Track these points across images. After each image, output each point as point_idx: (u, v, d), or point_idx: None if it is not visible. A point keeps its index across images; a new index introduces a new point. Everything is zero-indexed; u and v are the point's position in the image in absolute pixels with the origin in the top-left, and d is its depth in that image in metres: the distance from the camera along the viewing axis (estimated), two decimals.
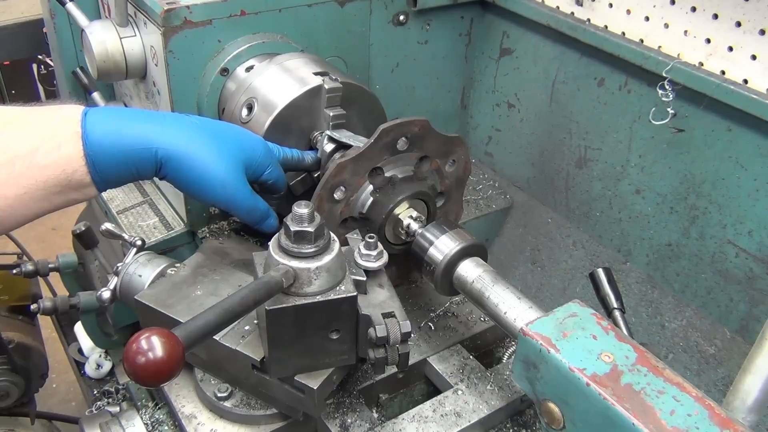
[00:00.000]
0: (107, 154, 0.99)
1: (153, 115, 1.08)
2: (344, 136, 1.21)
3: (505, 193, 1.77)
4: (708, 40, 1.25)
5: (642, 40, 1.36)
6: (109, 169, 1.00)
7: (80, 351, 1.79)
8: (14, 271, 1.57)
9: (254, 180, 1.14)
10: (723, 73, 1.24)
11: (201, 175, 1.04)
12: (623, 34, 1.39)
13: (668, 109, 1.28)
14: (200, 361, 1.15)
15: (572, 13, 1.48)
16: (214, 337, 1.03)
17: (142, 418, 1.19)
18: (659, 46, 1.33)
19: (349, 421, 1.13)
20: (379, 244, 1.06)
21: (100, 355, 1.72)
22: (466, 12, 1.65)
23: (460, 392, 1.16)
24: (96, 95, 1.59)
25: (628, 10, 1.37)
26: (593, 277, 1.14)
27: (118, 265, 1.23)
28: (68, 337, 1.92)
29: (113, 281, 1.22)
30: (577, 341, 0.88)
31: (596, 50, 1.42)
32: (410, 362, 1.04)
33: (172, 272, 1.20)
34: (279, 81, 1.25)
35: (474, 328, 1.31)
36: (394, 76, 1.62)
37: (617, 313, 1.09)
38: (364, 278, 1.03)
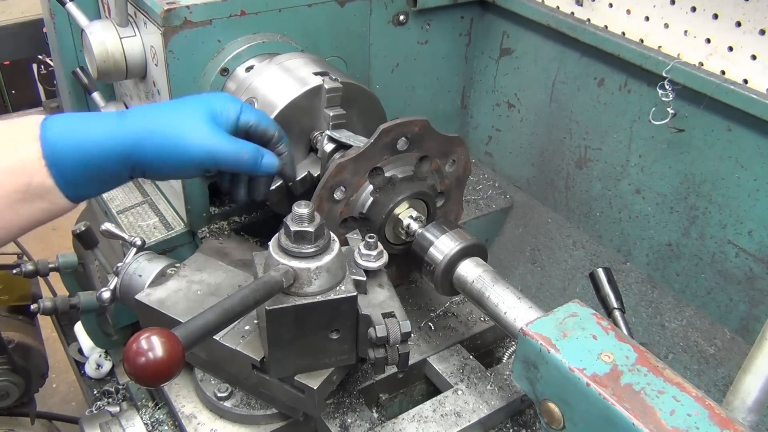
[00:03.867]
0: (68, 153, 0.93)
1: (113, 113, 1.03)
2: (344, 136, 1.21)
3: (505, 193, 1.77)
4: (708, 40, 1.25)
5: (642, 40, 1.36)
6: (73, 171, 0.94)
7: (80, 351, 1.79)
8: (14, 271, 1.57)
9: (234, 130, 1.07)
10: (723, 73, 1.24)
11: (174, 143, 0.98)
12: (623, 34, 1.39)
13: (668, 109, 1.28)
14: (200, 361, 1.15)
15: (572, 13, 1.48)
16: (214, 337, 1.03)
17: (142, 418, 1.19)
18: (659, 46, 1.33)
19: (349, 421, 1.13)
20: (379, 244, 1.06)
21: (100, 355, 1.72)
22: (466, 12, 1.65)
23: (460, 392, 1.16)
24: (96, 95, 1.59)
25: (628, 10, 1.37)
26: (593, 277, 1.14)
27: (118, 265, 1.23)
28: (68, 337, 1.91)
29: (113, 281, 1.22)
30: (577, 341, 0.88)
31: (596, 50, 1.42)
32: (410, 362, 1.04)
33: (172, 272, 1.20)
34: (279, 81, 1.24)
35: (474, 328, 1.31)
36: (394, 76, 1.62)
37: (617, 313, 1.09)
38: (364, 278, 1.03)
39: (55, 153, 0.92)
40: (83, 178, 0.95)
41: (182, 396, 1.17)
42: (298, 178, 1.27)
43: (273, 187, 1.27)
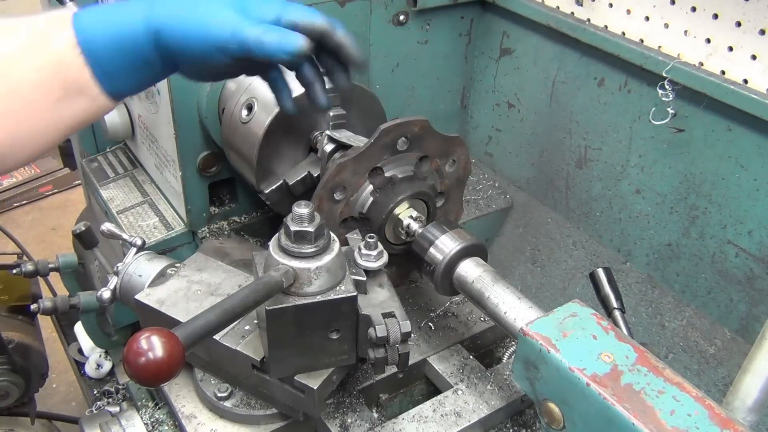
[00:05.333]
0: (101, 39, 0.90)
1: (142, 1, 0.97)
2: (344, 136, 1.21)
3: (505, 193, 1.77)
4: (708, 40, 1.25)
5: (642, 40, 1.36)
6: (108, 58, 0.90)
7: (80, 351, 1.79)
8: (14, 271, 1.57)
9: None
10: (723, 73, 1.24)
11: (198, 23, 0.92)
12: (623, 34, 1.39)
13: (668, 109, 1.28)
14: (200, 361, 1.15)
15: (572, 13, 1.48)
16: (214, 337, 1.03)
17: (142, 418, 1.19)
18: (659, 46, 1.33)
19: (349, 421, 1.13)
20: (379, 244, 1.06)
21: (100, 355, 1.72)
22: (466, 12, 1.65)
23: (460, 392, 1.16)
24: None
25: (628, 10, 1.37)
26: (593, 277, 1.14)
27: (118, 265, 1.23)
28: (68, 337, 1.91)
29: (113, 281, 1.22)
30: (577, 341, 0.88)
31: (596, 50, 1.42)
32: (410, 362, 1.04)
33: (172, 272, 1.20)
34: None
35: (474, 328, 1.31)
36: (394, 76, 1.62)
37: (617, 313, 1.09)
38: (364, 278, 1.03)
39: (89, 41, 0.89)
40: (118, 66, 0.92)
41: (182, 396, 1.17)
42: (299, 178, 1.27)
43: (273, 187, 1.27)
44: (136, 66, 0.94)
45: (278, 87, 1.08)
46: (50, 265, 1.56)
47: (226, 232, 1.43)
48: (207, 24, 0.93)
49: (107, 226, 1.24)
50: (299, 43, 0.95)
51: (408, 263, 1.23)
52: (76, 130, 0.97)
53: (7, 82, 0.88)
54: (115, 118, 1.56)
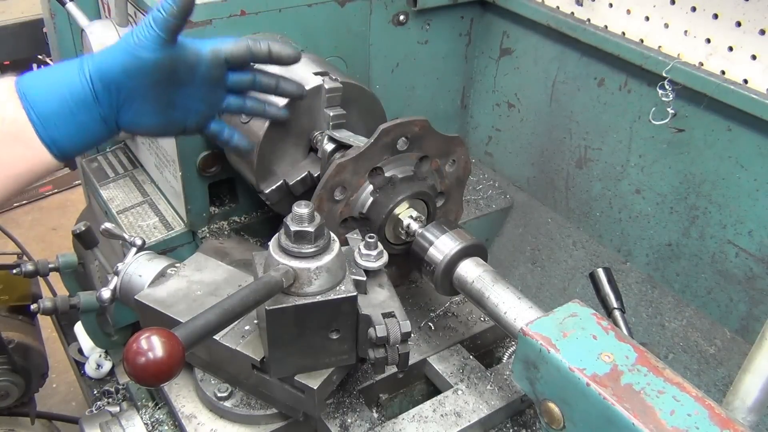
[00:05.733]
0: (38, 85, 0.94)
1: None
2: (344, 136, 1.21)
3: (505, 193, 1.77)
4: (708, 40, 1.25)
5: (642, 40, 1.36)
6: (44, 102, 0.94)
7: (80, 351, 1.79)
8: (14, 271, 1.57)
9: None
10: (723, 73, 1.24)
11: (131, 52, 0.96)
12: (623, 34, 1.39)
13: (668, 109, 1.28)
14: (200, 361, 1.15)
15: (572, 13, 1.48)
16: (214, 337, 1.03)
17: (142, 418, 1.19)
18: (659, 46, 1.33)
19: (349, 421, 1.13)
20: (379, 244, 1.06)
21: (100, 355, 1.72)
22: (466, 12, 1.65)
23: (460, 392, 1.16)
24: None
25: (628, 10, 1.37)
26: (593, 277, 1.14)
27: (118, 265, 1.23)
28: (68, 337, 1.91)
29: (113, 281, 1.22)
30: (577, 341, 0.88)
31: (596, 50, 1.42)
32: (410, 362, 1.04)
33: (172, 272, 1.20)
34: None
35: (474, 328, 1.31)
36: (394, 76, 1.62)
37: (617, 313, 1.09)
38: (364, 278, 1.03)
39: (26, 84, 0.94)
40: (54, 109, 0.95)
41: (182, 396, 1.17)
42: (299, 178, 1.27)
43: (273, 187, 1.27)
44: (71, 108, 0.95)
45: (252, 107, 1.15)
46: (50, 265, 1.56)
47: (226, 232, 1.43)
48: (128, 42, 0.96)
49: (107, 226, 1.24)
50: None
51: (408, 263, 1.23)
52: (19, 185, 0.98)
53: None
54: None
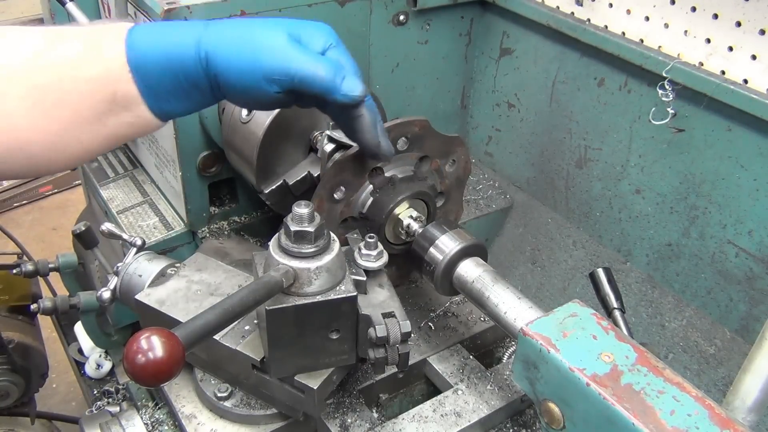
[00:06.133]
0: (149, 56, 0.89)
1: (198, 21, 0.97)
2: (344, 136, 1.21)
3: (505, 193, 1.77)
4: (708, 40, 1.25)
5: (642, 40, 1.36)
6: (156, 77, 0.90)
7: (80, 351, 1.79)
8: (14, 271, 1.57)
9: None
10: (723, 73, 1.24)
11: (249, 50, 0.91)
12: (623, 34, 1.39)
13: (668, 109, 1.28)
14: (200, 361, 1.15)
15: (572, 13, 1.48)
16: (214, 337, 1.03)
17: (142, 418, 1.19)
18: (659, 46, 1.33)
19: (349, 421, 1.13)
20: (379, 244, 1.06)
21: (100, 355, 1.72)
22: (466, 12, 1.65)
23: (460, 392, 1.16)
24: None
25: (628, 10, 1.37)
26: (593, 277, 1.14)
27: (118, 265, 1.23)
28: (68, 337, 1.91)
29: (113, 281, 1.22)
30: (577, 341, 0.88)
31: (596, 50, 1.42)
32: (410, 362, 1.04)
33: (172, 272, 1.20)
34: None
35: (474, 328, 1.31)
36: (394, 76, 1.62)
37: (617, 313, 1.09)
38: (364, 278, 1.03)
39: (139, 58, 0.89)
40: (166, 87, 0.92)
41: (182, 396, 1.17)
42: (299, 178, 1.27)
43: (273, 187, 1.27)
44: (184, 88, 0.93)
45: (361, 127, 1.01)
46: (50, 265, 1.56)
47: (226, 232, 1.43)
48: (257, 52, 0.91)
49: (107, 226, 1.24)
50: (358, 86, 0.94)
51: (408, 263, 1.23)
52: (120, 143, 0.97)
53: (59, 89, 0.89)
54: None
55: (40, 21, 2.00)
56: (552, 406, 0.88)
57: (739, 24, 1.19)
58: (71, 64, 0.89)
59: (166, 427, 1.18)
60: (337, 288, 0.99)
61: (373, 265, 1.05)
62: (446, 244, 1.13)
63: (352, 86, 0.94)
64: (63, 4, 1.48)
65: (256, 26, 0.94)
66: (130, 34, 0.90)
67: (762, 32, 1.16)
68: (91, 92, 0.89)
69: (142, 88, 0.90)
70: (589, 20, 1.45)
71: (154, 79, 0.91)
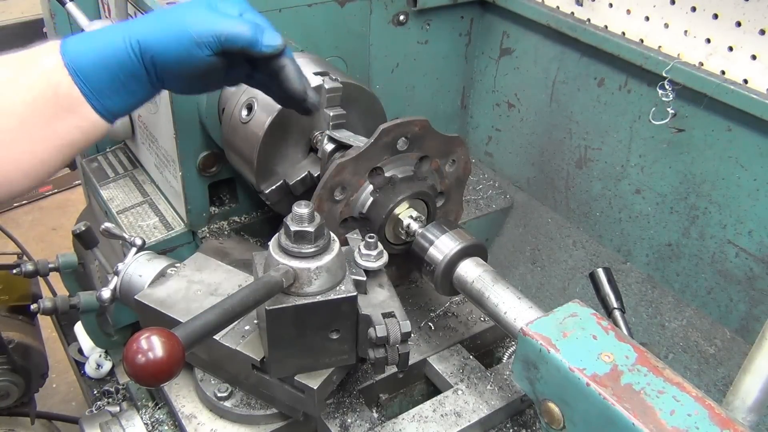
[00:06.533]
0: (84, 56, 0.94)
1: (126, 20, 1.04)
2: (344, 136, 1.21)
3: (505, 193, 1.77)
4: (708, 40, 1.25)
5: (642, 40, 1.36)
6: (93, 74, 0.95)
7: (80, 351, 1.78)
8: (14, 271, 1.57)
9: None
10: (723, 73, 1.24)
11: (177, 25, 0.97)
12: (623, 34, 1.39)
13: (668, 109, 1.28)
14: (200, 361, 1.15)
15: (572, 13, 1.48)
16: (214, 337, 1.03)
17: (142, 418, 1.19)
18: (659, 46, 1.33)
19: (349, 421, 1.13)
20: (379, 244, 1.06)
21: (100, 355, 1.72)
22: (466, 12, 1.65)
23: (460, 392, 1.16)
24: None
25: (628, 10, 1.37)
26: (593, 277, 1.14)
27: (118, 265, 1.23)
28: (68, 337, 1.91)
29: (113, 281, 1.22)
30: (577, 341, 0.88)
31: (596, 50, 1.42)
32: (410, 362, 1.04)
33: (172, 272, 1.20)
34: None
35: (474, 328, 1.31)
36: (394, 76, 1.62)
37: (617, 313, 1.09)
38: (364, 278, 1.03)
39: (75, 60, 0.94)
40: (105, 83, 0.96)
41: (182, 396, 1.17)
42: (299, 178, 1.27)
43: (273, 187, 1.27)
44: (122, 81, 0.97)
45: (287, 75, 1.06)
46: (50, 265, 1.56)
47: (226, 232, 1.43)
48: (184, 23, 0.97)
49: (107, 226, 1.24)
50: (277, 39, 1.01)
51: (408, 263, 1.23)
52: (74, 151, 1.00)
53: (2, 101, 0.92)
54: None
55: (40, 21, 2.00)
56: (552, 406, 0.88)
57: (739, 24, 1.19)
58: (9, 80, 0.93)
59: (166, 427, 1.18)
60: (337, 288, 0.99)
61: (373, 265, 1.05)
62: (446, 244, 1.13)
63: (272, 38, 1.01)
64: (63, 4, 1.47)
65: (177, 7, 1.01)
66: (64, 44, 0.96)
67: (762, 32, 1.16)
68: (34, 99, 0.93)
69: (82, 88, 0.94)
70: (589, 20, 1.45)
71: (92, 77, 0.95)
